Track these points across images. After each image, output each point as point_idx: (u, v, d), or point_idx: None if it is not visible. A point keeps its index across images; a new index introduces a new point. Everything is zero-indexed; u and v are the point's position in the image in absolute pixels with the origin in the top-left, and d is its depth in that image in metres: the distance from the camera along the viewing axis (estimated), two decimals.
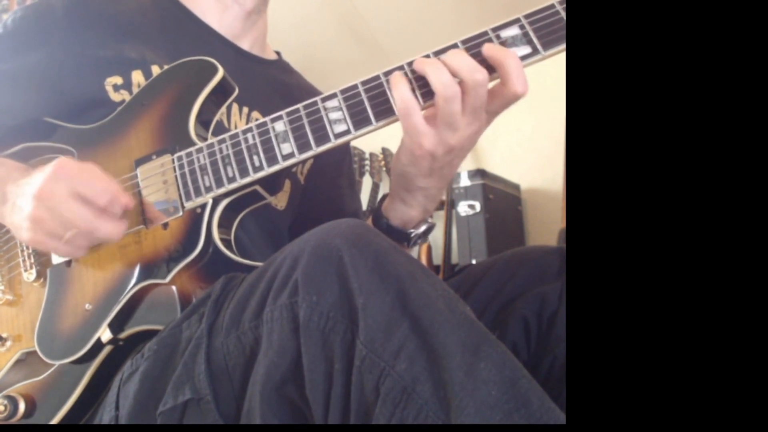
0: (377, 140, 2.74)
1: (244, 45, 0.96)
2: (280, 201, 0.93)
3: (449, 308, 0.48)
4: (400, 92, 0.63)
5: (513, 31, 0.63)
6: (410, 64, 0.66)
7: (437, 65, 0.62)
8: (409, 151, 0.67)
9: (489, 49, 0.62)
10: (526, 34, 0.63)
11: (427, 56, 0.65)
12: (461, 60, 0.62)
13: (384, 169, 2.68)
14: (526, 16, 0.63)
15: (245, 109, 0.91)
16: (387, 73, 0.66)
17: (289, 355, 0.51)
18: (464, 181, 2.32)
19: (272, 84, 0.99)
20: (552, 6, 0.62)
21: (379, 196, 2.62)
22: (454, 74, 0.62)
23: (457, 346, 0.45)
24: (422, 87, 0.65)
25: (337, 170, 1.06)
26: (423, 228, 0.79)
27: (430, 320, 0.46)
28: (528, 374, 0.44)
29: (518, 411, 0.42)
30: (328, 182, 1.04)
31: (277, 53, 1.07)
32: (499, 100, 0.63)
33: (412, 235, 0.79)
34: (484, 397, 0.42)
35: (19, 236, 0.68)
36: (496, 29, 0.64)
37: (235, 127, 0.88)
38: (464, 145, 0.66)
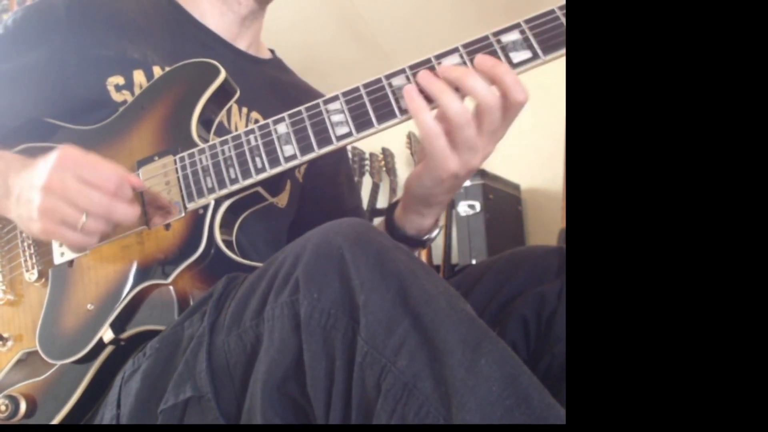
0: (377, 140, 2.74)
1: (241, 45, 0.97)
2: (281, 200, 0.93)
3: (450, 305, 0.48)
4: (423, 118, 0.62)
5: (513, 35, 0.64)
6: (415, 74, 0.65)
7: (445, 89, 0.62)
8: (435, 174, 0.67)
9: (481, 64, 0.62)
10: (526, 39, 0.63)
11: (431, 66, 0.64)
12: (474, 82, 0.61)
13: (384, 169, 2.68)
14: (527, 21, 0.63)
15: (244, 110, 0.91)
16: (389, 76, 0.66)
17: (290, 353, 0.51)
18: None
19: (270, 83, 0.99)
20: (552, 11, 0.63)
21: (379, 196, 2.62)
22: (465, 94, 0.62)
23: (457, 342, 0.45)
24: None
25: (334, 169, 1.06)
26: (435, 232, 0.82)
27: (431, 317, 0.47)
28: (528, 371, 0.44)
29: (519, 407, 0.42)
30: (327, 181, 1.04)
31: (271, 51, 1.07)
32: (509, 112, 0.63)
33: (427, 240, 0.82)
34: (485, 394, 0.42)
35: (28, 228, 0.67)
36: (497, 34, 0.64)
37: (236, 128, 0.89)
38: (483, 161, 0.66)
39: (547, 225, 2.46)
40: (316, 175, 1.02)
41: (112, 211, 0.66)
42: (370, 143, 2.73)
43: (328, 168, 1.04)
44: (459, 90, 0.62)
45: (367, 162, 2.67)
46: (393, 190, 2.65)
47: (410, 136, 2.63)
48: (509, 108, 0.63)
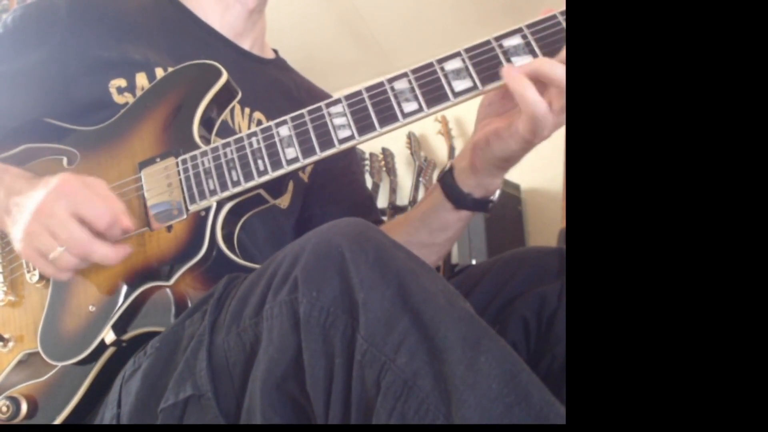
0: (377, 140, 2.73)
1: (245, 44, 0.96)
2: (283, 200, 0.93)
3: (449, 303, 0.48)
4: (531, 95, 0.63)
5: (515, 40, 0.64)
6: (417, 78, 0.65)
7: (548, 60, 0.62)
8: (524, 139, 0.68)
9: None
10: (528, 44, 0.63)
11: (433, 69, 0.65)
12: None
13: (384, 169, 2.68)
14: (528, 26, 0.64)
15: (247, 110, 0.91)
16: (391, 80, 0.66)
17: (289, 351, 0.51)
18: None
19: (273, 84, 0.99)
20: (553, 17, 0.63)
21: (379, 196, 2.62)
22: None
23: (457, 340, 0.45)
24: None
25: (345, 159, 1.04)
26: (497, 193, 0.81)
27: (431, 315, 0.47)
28: (528, 368, 0.45)
29: (519, 404, 0.42)
30: (341, 172, 1.03)
31: (275, 51, 1.06)
32: None
33: (491, 203, 0.81)
34: (485, 391, 0.42)
35: (16, 247, 0.69)
36: (498, 38, 0.64)
37: (239, 128, 0.89)
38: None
39: (547, 225, 2.46)
40: (327, 171, 1.00)
41: (90, 252, 0.66)
42: (369, 143, 2.70)
43: (339, 162, 1.02)
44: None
45: (367, 162, 2.67)
46: (393, 190, 2.64)
47: (410, 136, 2.62)
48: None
